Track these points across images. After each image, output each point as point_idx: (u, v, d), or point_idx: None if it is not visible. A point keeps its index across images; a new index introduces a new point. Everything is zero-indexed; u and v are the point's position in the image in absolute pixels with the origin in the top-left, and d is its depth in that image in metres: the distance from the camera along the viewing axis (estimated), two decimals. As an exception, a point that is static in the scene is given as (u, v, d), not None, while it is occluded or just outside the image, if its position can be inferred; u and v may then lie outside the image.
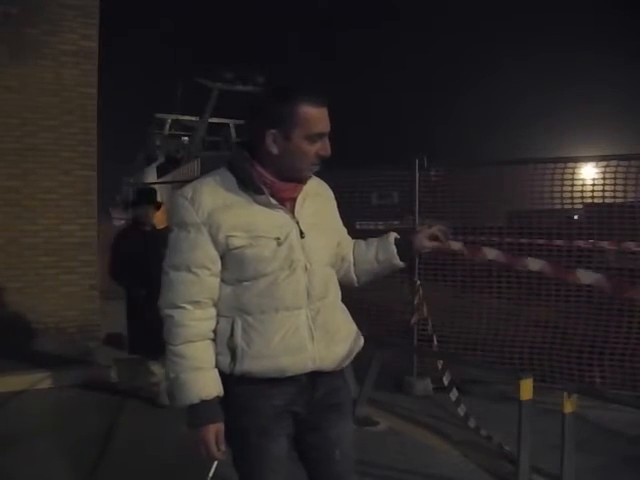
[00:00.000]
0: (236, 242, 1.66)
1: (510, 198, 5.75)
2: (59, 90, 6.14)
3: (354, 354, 1.87)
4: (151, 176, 33.08)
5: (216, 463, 1.71)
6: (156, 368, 4.62)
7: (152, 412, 4.58)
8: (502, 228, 5.46)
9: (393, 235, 1.96)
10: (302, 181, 1.76)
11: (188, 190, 1.71)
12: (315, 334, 1.73)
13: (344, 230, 2.02)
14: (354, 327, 1.90)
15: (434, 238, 1.90)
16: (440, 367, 4.81)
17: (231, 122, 36.34)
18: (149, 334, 4.22)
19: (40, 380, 5.09)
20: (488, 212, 5.91)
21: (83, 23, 6.25)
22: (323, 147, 1.71)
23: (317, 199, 1.84)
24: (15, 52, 5.94)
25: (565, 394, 3.29)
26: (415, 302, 5.17)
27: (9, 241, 6.08)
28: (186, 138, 36.77)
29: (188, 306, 1.68)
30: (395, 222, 6.46)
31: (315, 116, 1.67)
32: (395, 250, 1.92)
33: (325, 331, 1.75)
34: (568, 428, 3.24)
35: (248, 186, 1.70)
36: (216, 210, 1.67)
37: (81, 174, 6.16)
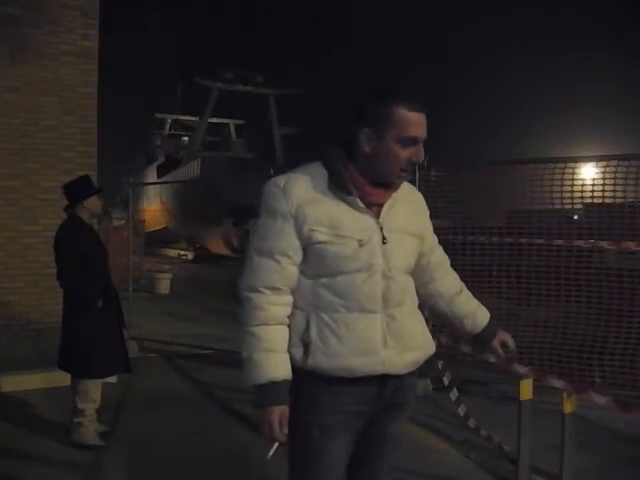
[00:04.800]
0: (319, 237, 1.68)
1: (510, 198, 5.74)
2: (59, 90, 6.15)
3: (423, 360, 1.88)
4: (151, 176, 33.11)
5: (276, 445, 1.71)
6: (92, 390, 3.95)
7: (152, 412, 4.58)
8: (502, 228, 5.46)
9: (487, 319, 2.02)
10: (391, 187, 1.76)
11: (281, 179, 1.73)
12: (388, 340, 1.73)
13: (434, 239, 2.02)
14: (428, 335, 1.91)
15: (503, 345, 2.00)
16: (440, 367, 4.82)
17: (231, 122, 36.39)
18: (102, 352, 3.91)
19: (40, 380, 5.09)
20: (488, 212, 5.91)
21: (83, 23, 6.26)
22: (416, 153, 1.71)
23: (406, 206, 1.84)
24: (15, 52, 5.95)
25: (565, 394, 3.29)
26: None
27: (9, 241, 6.09)
28: (186, 138, 36.81)
29: (266, 291, 1.71)
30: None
31: (411, 120, 1.68)
32: (478, 335, 2.01)
33: (399, 338, 1.76)
34: (568, 428, 3.25)
35: (339, 186, 1.72)
36: (305, 203, 1.69)
37: (81, 174, 6.15)
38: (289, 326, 1.74)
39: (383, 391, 1.77)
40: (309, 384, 1.72)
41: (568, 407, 3.25)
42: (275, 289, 1.71)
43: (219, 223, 20.59)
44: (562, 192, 4.73)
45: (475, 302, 2.05)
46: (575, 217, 5.41)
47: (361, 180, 1.73)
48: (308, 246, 1.71)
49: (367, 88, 1.80)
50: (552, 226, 5.07)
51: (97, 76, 6.38)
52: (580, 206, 4.90)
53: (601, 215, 4.82)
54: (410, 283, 1.87)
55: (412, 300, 1.87)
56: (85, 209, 4.06)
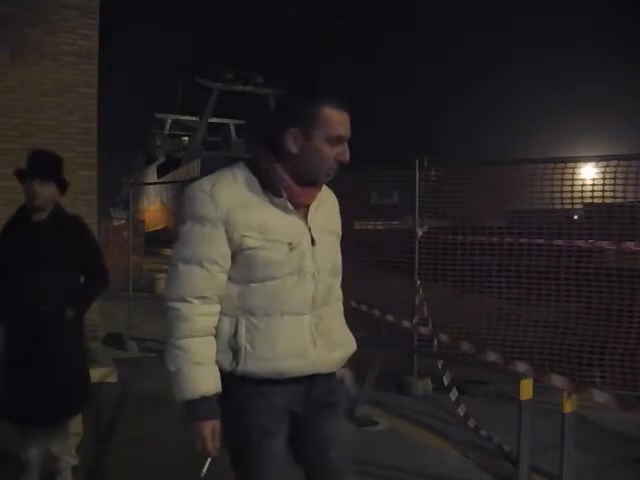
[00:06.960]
0: (250, 242, 1.66)
1: (510, 198, 5.75)
2: (59, 90, 6.14)
3: (347, 358, 1.90)
4: (151, 176, 33.14)
5: (209, 460, 1.70)
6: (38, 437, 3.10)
7: (152, 412, 4.58)
8: (502, 228, 5.46)
9: None
10: (317, 185, 1.76)
11: (207, 183, 1.68)
12: (317, 340, 1.75)
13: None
14: (349, 331, 1.94)
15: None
16: (440, 367, 4.82)
17: (231, 122, 36.40)
18: (27, 384, 2.90)
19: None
20: (488, 212, 5.91)
21: (83, 23, 6.25)
22: (343, 152, 1.72)
23: (326, 206, 1.86)
24: (15, 52, 5.94)
25: (565, 394, 3.29)
26: (416, 302, 5.17)
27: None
28: (186, 138, 36.83)
29: (195, 300, 1.66)
30: (394, 222, 6.47)
31: (337, 119, 1.69)
32: None
33: (327, 337, 1.77)
34: (568, 428, 3.24)
35: (267, 187, 1.70)
36: (234, 208, 1.65)
37: (81, 174, 6.14)
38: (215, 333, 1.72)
39: (312, 390, 1.78)
40: (241, 388, 1.71)
41: (568, 407, 3.25)
42: (204, 298, 1.67)
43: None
44: (562, 192, 4.73)
45: None
46: (575, 217, 5.41)
47: (289, 181, 1.71)
48: (237, 252, 1.67)
49: (293, 87, 1.79)
50: (552, 226, 5.07)
51: (97, 76, 6.39)
52: (580, 206, 4.90)
53: (601, 215, 4.82)
54: (335, 282, 1.88)
55: (336, 298, 1.89)
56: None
